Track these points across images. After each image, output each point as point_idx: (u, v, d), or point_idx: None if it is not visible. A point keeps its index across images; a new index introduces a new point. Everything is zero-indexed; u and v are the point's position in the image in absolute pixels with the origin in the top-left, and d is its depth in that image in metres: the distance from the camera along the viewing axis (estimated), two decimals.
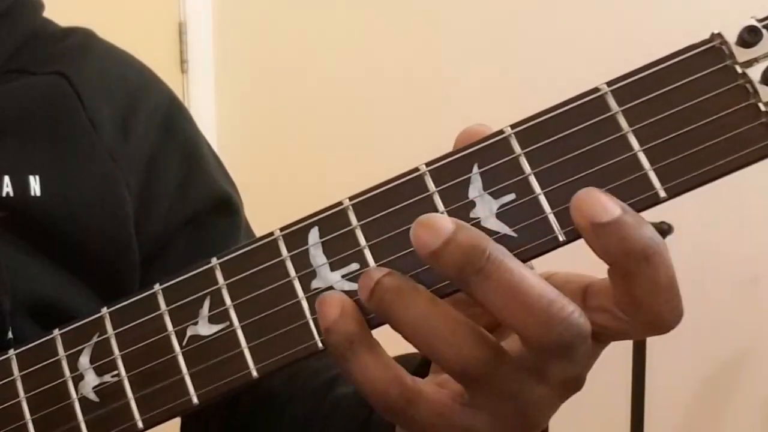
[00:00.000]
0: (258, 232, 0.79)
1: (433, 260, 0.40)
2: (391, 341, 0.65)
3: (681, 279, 0.41)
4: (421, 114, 2.20)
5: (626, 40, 1.97)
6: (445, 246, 0.40)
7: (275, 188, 2.25)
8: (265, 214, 0.83)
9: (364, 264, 0.44)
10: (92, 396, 0.47)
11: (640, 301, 0.41)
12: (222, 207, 0.78)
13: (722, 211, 1.98)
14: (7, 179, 0.67)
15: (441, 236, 0.40)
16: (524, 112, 0.44)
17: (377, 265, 0.43)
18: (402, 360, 0.60)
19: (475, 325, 0.41)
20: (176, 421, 0.76)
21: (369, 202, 0.44)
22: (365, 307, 0.43)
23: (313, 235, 0.44)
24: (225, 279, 0.45)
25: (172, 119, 0.77)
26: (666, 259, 0.40)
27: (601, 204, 0.40)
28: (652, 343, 1.78)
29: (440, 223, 0.40)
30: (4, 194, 0.67)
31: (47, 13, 0.79)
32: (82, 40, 0.77)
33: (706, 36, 0.41)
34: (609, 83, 0.42)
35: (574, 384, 0.44)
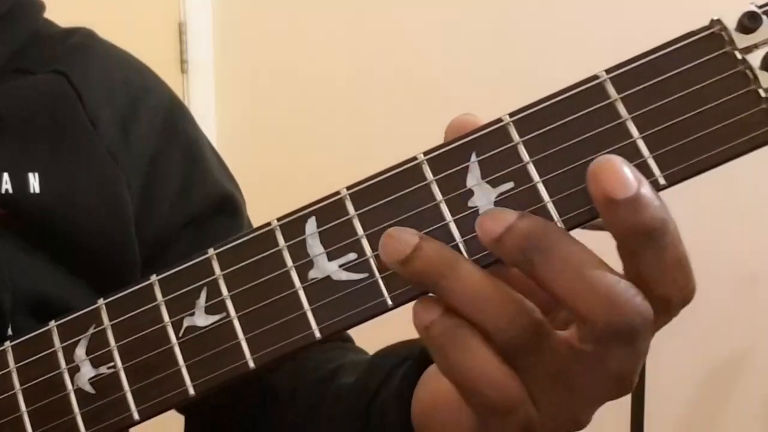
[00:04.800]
0: None
1: (496, 247, 0.41)
2: (386, 329, 0.65)
3: None
4: (420, 111, 2.20)
5: (625, 30, 1.96)
6: (509, 231, 0.40)
7: (275, 188, 2.24)
8: (265, 213, 0.82)
9: (361, 253, 0.43)
10: (88, 388, 0.47)
11: (646, 279, 0.40)
12: (224, 207, 0.77)
13: (720, 209, 1.98)
14: (6, 176, 0.67)
15: (504, 222, 0.40)
16: (523, 104, 0.43)
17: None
18: (403, 346, 0.60)
19: (521, 298, 0.41)
20: (180, 419, 0.75)
21: (366, 192, 0.44)
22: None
23: (311, 225, 0.44)
24: (222, 269, 0.45)
25: (174, 119, 0.77)
26: (673, 239, 0.40)
27: (620, 179, 0.39)
28: (652, 342, 1.77)
29: (503, 212, 0.41)
30: (3, 191, 0.67)
31: (47, 13, 0.79)
32: (83, 41, 0.77)
33: (706, 22, 0.41)
34: (608, 70, 0.42)
35: (628, 381, 0.43)
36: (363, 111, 2.29)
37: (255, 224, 0.80)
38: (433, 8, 2.23)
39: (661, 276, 0.40)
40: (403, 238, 0.42)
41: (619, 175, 0.39)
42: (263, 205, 1.16)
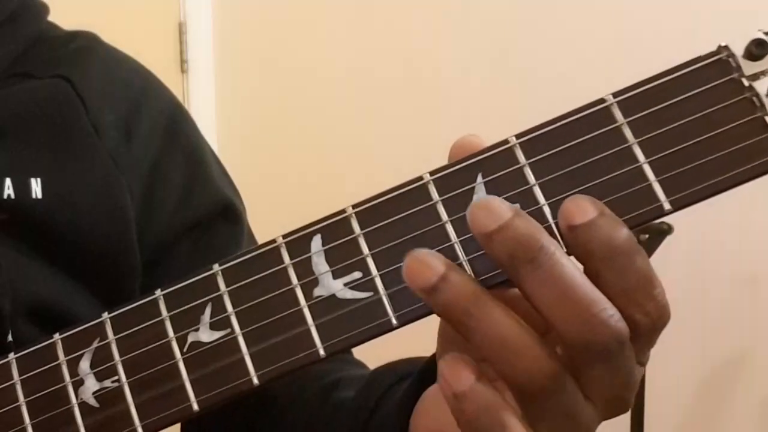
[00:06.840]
0: (258, 232, 0.79)
1: (486, 242, 0.40)
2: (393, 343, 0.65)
3: (680, 278, 0.41)
4: (422, 114, 2.20)
5: (631, 49, 1.97)
6: (501, 230, 0.40)
7: (275, 188, 2.24)
8: (265, 214, 0.83)
9: (366, 272, 0.43)
10: (92, 401, 0.47)
11: (611, 300, 0.40)
12: (225, 213, 0.77)
13: (722, 210, 1.98)
14: (8, 181, 0.67)
15: (498, 220, 0.40)
16: (525, 114, 0.43)
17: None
18: (402, 364, 0.60)
19: (544, 343, 0.41)
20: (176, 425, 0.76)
21: (372, 210, 0.44)
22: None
23: (316, 243, 0.44)
24: (227, 286, 0.45)
25: (176, 124, 0.77)
26: (632, 262, 0.40)
27: (579, 207, 0.40)
28: None
29: (499, 207, 0.40)
30: (5, 196, 0.67)
31: None
32: (86, 44, 0.77)
33: (713, 48, 0.41)
34: (615, 94, 0.42)
35: (621, 404, 0.43)
36: (364, 111, 2.29)
37: (254, 225, 0.80)
38: (435, 7, 2.23)
39: (625, 298, 0.40)
40: (430, 264, 0.41)
41: (580, 205, 0.40)
42: (263, 206, 1.16)
